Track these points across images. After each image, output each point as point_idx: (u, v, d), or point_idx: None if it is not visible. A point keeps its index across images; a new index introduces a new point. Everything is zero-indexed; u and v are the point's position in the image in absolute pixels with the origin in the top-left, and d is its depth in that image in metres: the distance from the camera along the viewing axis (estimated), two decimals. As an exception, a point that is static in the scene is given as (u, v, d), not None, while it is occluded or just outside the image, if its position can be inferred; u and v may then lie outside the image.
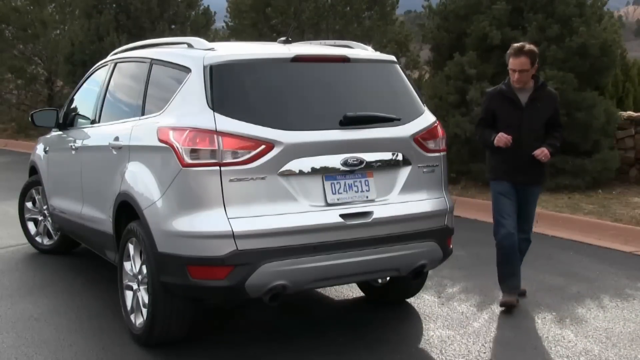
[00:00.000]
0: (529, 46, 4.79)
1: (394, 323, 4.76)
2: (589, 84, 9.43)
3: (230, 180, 3.76)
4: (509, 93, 4.87)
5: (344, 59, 4.39)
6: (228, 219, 3.74)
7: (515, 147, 4.77)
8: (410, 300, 5.11)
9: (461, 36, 9.98)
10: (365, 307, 5.11)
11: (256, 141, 3.82)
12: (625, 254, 6.60)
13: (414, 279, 4.65)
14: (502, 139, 4.76)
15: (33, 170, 6.67)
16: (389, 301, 5.09)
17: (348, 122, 4.04)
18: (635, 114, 9.80)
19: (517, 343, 4.37)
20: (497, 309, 4.91)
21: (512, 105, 4.85)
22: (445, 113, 9.45)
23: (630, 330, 4.58)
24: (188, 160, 3.81)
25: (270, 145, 3.83)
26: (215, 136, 3.78)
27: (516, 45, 4.83)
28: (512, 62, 4.78)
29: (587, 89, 9.28)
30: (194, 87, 4.02)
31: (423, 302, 5.11)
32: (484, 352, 4.18)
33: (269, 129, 3.85)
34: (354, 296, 5.30)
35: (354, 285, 5.30)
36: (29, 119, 6.20)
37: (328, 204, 3.96)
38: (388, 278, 4.88)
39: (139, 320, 4.30)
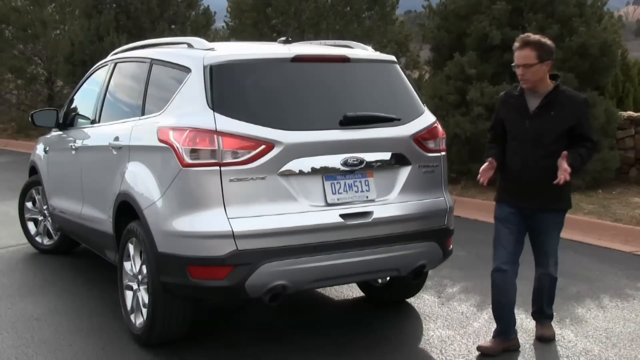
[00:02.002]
0: (535, 37, 4.02)
1: (394, 323, 4.76)
2: (589, 84, 9.43)
3: (230, 180, 3.76)
4: (517, 98, 4.09)
5: (344, 59, 4.39)
6: (228, 219, 3.74)
7: (518, 165, 4.04)
8: (410, 300, 5.11)
9: (461, 36, 9.98)
10: (365, 307, 5.11)
11: (256, 141, 3.81)
12: (625, 254, 6.60)
13: (414, 279, 4.65)
14: (482, 172, 4.03)
15: (33, 170, 6.67)
16: (389, 301, 5.09)
17: (348, 122, 4.04)
18: (635, 114, 9.80)
19: (517, 343, 4.37)
20: (497, 309, 4.91)
21: (519, 112, 4.06)
22: (445, 113, 9.45)
23: (630, 330, 4.58)
24: (188, 160, 3.81)
25: (270, 145, 3.83)
26: (215, 136, 3.78)
27: (521, 35, 4.09)
28: (516, 56, 4.01)
29: (587, 89, 9.28)
30: (194, 87, 4.02)
31: (423, 302, 5.10)
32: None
33: (269, 129, 3.85)
34: (354, 296, 5.30)
35: (354, 285, 5.30)
36: (29, 119, 6.20)
37: (328, 204, 3.96)
38: (388, 278, 4.88)
39: (139, 320, 4.30)
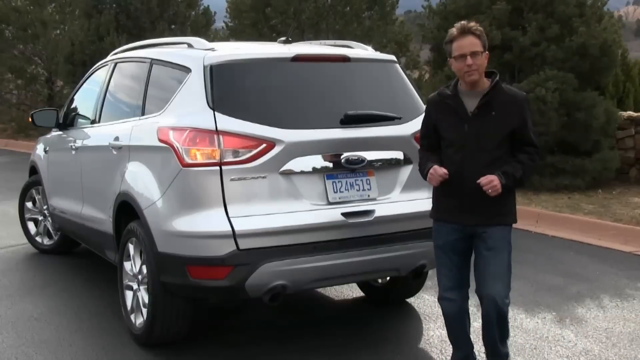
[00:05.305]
0: (474, 24, 3.48)
1: (394, 323, 4.76)
2: (589, 84, 9.44)
3: (232, 180, 3.76)
4: (452, 98, 3.52)
5: (344, 59, 4.39)
6: (229, 218, 3.74)
7: (457, 175, 3.46)
8: (410, 300, 5.11)
9: (461, 36, 9.98)
10: (365, 307, 5.11)
11: (257, 140, 3.81)
12: (625, 254, 6.60)
13: (414, 279, 4.65)
14: (434, 176, 3.48)
15: (33, 170, 6.67)
16: (389, 301, 5.09)
17: (349, 121, 4.04)
18: (635, 114, 9.81)
19: (517, 343, 4.36)
20: (497, 309, 4.91)
21: (455, 115, 3.50)
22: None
23: (630, 330, 4.58)
24: (188, 160, 3.81)
25: (271, 144, 3.83)
26: (215, 136, 3.77)
27: (459, 23, 3.51)
28: (459, 45, 3.43)
29: (587, 89, 9.29)
30: (194, 87, 4.01)
31: (423, 302, 5.10)
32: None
33: (270, 127, 3.85)
34: (354, 296, 5.30)
35: (354, 285, 5.30)
36: (29, 119, 6.20)
37: (330, 203, 3.95)
38: (388, 278, 4.88)
39: (139, 320, 4.30)
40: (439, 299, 3.71)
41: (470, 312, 3.75)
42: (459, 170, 3.46)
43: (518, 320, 4.74)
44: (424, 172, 3.59)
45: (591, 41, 9.10)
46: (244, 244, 3.72)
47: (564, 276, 5.79)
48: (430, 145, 3.66)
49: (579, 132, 9.05)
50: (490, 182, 3.35)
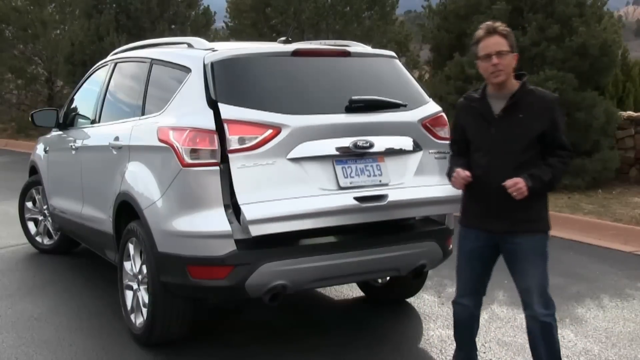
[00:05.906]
0: (501, 24, 3.41)
1: (393, 323, 4.76)
2: (589, 84, 9.45)
3: (239, 167, 3.72)
4: (478, 101, 3.44)
5: (345, 53, 4.38)
6: (231, 214, 3.71)
7: (484, 179, 3.36)
8: (410, 300, 5.11)
9: (461, 36, 10.00)
10: (365, 307, 5.11)
11: (263, 126, 3.78)
12: (625, 254, 6.60)
13: (414, 279, 4.64)
14: (457, 179, 3.41)
15: (33, 170, 6.67)
16: (389, 301, 5.09)
17: (354, 108, 4.02)
18: (635, 114, 9.82)
19: (517, 343, 4.37)
20: (497, 309, 4.91)
21: (482, 117, 3.41)
22: (445, 113, 9.45)
23: (630, 330, 4.58)
24: (188, 160, 3.80)
25: (277, 129, 3.79)
26: (215, 136, 3.76)
27: (485, 23, 3.44)
28: (484, 45, 3.35)
29: (587, 89, 9.30)
30: (194, 86, 4.01)
31: (423, 302, 5.11)
32: (484, 352, 4.18)
33: (275, 113, 3.82)
34: (354, 296, 5.30)
35: (354, 285, 5.30)
36: (29, 119, 6.21)
37: (341, 188, 3.92)
38: (388, 278, 4.88)
39: (139, 320, 4.30)
40: (452, 302, 3.68)
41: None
42: (486, 174, 3.36)
43: (518, 320, 4.74)
44: (449, 175, 3.52)
45: (591, 41, 9.11)
46: (256, 230, 3.66)
47: (564, 276, 5.79)
48: (460, 150, 3.56)
49: (579, 132, 9.05)
50: (516, 184, 3.23)
